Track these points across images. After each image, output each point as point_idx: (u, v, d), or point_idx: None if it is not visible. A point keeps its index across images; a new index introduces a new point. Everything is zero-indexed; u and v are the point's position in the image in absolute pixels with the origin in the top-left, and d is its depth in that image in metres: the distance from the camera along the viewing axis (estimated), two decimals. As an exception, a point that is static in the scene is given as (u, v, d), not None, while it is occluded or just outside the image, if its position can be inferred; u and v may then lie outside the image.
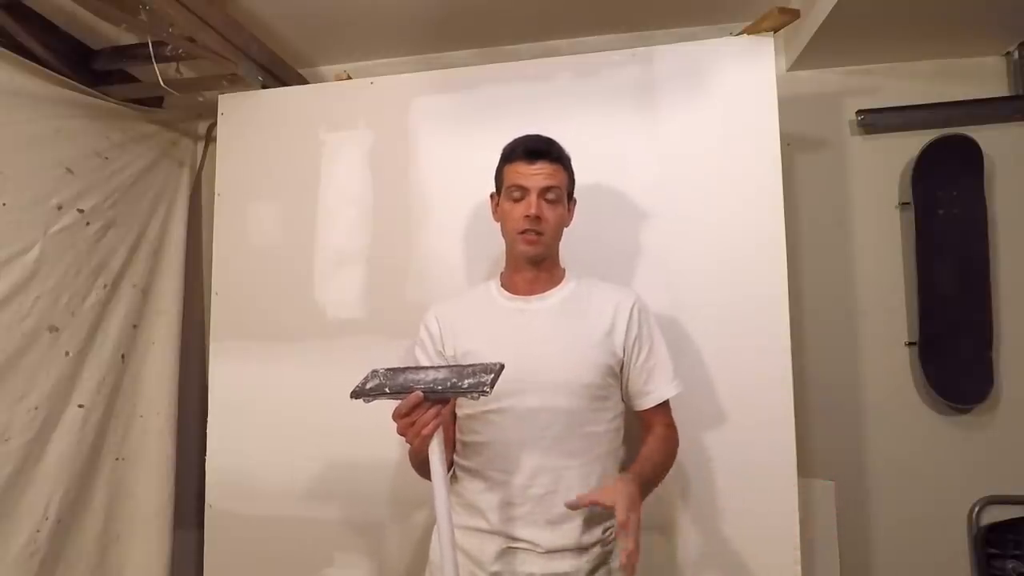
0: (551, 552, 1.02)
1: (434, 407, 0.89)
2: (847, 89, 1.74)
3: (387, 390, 0.90)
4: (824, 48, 1.61)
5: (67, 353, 1.51)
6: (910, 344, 1.68)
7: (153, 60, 1.54)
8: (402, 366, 0.98)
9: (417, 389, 0.88)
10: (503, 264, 1.20)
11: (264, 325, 1.62)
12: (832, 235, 1.73)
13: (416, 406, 0.88)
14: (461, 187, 1.53)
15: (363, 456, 1.51)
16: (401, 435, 0.91)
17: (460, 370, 0.91)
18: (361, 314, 1.57)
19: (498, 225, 1.16)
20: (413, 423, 0.89)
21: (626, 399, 1.14)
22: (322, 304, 1.60)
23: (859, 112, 1.70)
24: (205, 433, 1.62)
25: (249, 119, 1.69)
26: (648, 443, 1.09)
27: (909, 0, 1.43)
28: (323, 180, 1.63)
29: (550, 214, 1.07)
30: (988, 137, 1.63)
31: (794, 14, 1.38)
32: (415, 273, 1.55)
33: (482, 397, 0.86)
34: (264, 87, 1.70)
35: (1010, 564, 1.57)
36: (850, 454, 1.68)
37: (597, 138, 1.44)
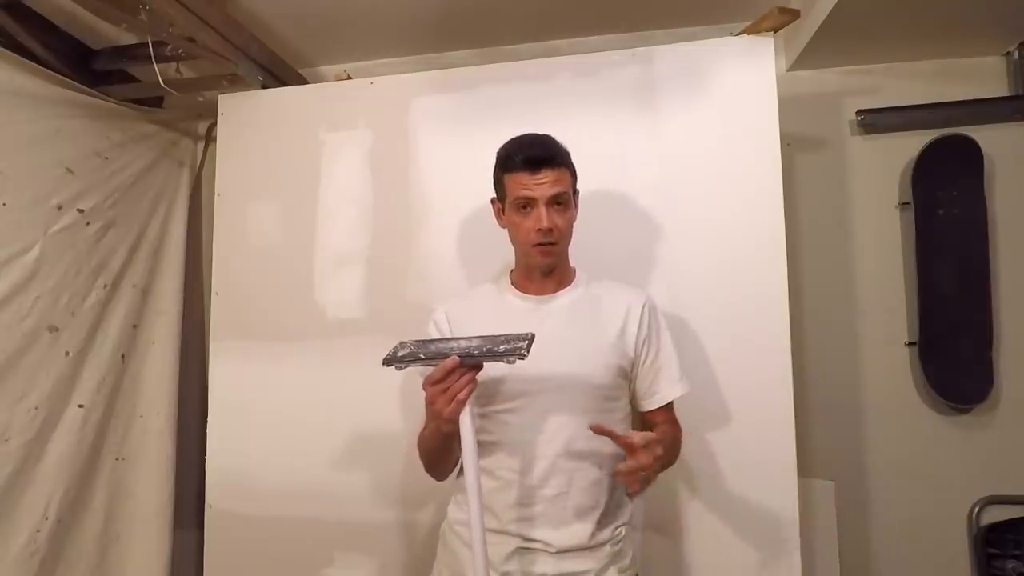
0: (563, 552, 1.02)
1: (468, 373, 0.88)
2: (847, 89, 1.74)
3: (421, 356, 0.90)
4: (824, 48, 1.61)
5: (67, 353, 1.51)
6: (910, 344, 1.68)
7: (153, 60, 1.54)
8: (431, 339, 0.97)
9: (452, 355, 0.87)
10: (510, 262, 1.19)
11: (264, 325, 1.62)
12: (832, 235, 1.73)
13: (450, 372, 0.87)
14: (461, 187, 1.53)
15: (363, 456, 1.51)
16: (430, 404, 0.91)
17: (492, 338, 0.90)
18: (361, 314, 1.57)
19: (501, 229, 1.14)
20: (446, 389, 0.88)
21: (633, 400, 1.14)
22: (322, 304, 1.60)
23: (859, 112, 1.70)
24: (205, 433, 1.62)
25: (249, 119, 1.69)
26: (658, 430, 1.08)
27: (909, 0, 1.43)
28: (323, 180, 1.63)
29: (561, 221, 1.06)
30: (988, 137, 1.63)
31: (794, 14, 1.38)
32: (415, 273, 1.55)
33: (513, 362, 0.86)
34: (264, 87, 1.70)
35: (1010, 564, 1.57)
36: (850, 454, 1.68)
37: (597, 138, 1.44)
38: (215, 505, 1.60)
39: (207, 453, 1.61)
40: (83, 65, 1.67)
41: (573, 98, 1.49)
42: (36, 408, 1.42)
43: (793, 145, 1.68)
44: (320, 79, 1.90)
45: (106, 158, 1.64)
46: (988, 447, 1.63)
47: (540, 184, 1.03)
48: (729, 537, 1.32)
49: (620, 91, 1.47)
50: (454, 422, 0.90)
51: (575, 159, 1.15)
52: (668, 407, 1.13)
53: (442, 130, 1.56)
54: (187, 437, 1.81)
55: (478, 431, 1.07)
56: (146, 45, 1.53)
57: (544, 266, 1.09)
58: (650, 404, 1.12)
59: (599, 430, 0.93)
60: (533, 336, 0.89)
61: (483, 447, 1.08)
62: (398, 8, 1.64)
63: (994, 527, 1.60)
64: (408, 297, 1.55)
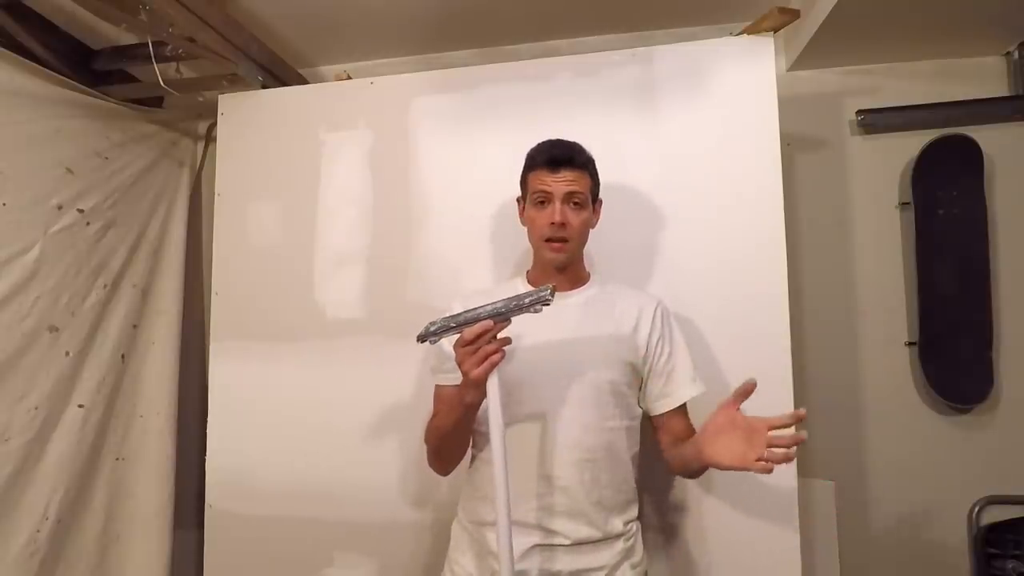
0: (578, 545, 1.03)
1: (497, 342, 0.92)
2: (847, 89, 1.74)
3: (452, 325, 0.94)
4: (824, 48, 1.61)
5: (67, 353, 1.51)
6: (910, 344, 1.68)
7: (153, 60, 1.54)
8: (456, 312, 0.99)
9: (483, 318, 0.91)
10: (516, 256, 1.23)
11: (264, 325, 1.62)
12: (832, 235, 1.73)
13: (483, 334, 0.90)
14: (461, 187, 1.53)
15: (363, 456, 1.51)
16: (460, 364, 0.93)
17: (516, 297, 0.93)
18: (361, 314, 1.57)
19: (523, 227, 1.17)
20: (477, 350, 0.91)
21: (644, 404, 1.14)
22: (322, 304, 1.60)
23: (859, 112, 1.70)
24: (205, 433, 1.62)
25: (249, 119, 1.69)
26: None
27: (909, 0, 1.43)
28: (323, 180, 1.63)
29: (575, 219, 1.08)
30: (988, 137, 1.63)
31: (794, 14, 1.38)
32: (415, 273, 1.55)
33: (540, 309, 0.90)
34: (264, 87, 1.70)
35: (1010, 564, 1.56)
36: (850, 454, 1.68)
37: (597, 138, 1.42)
38: (215, 505, 1.60)
39: (207, 453, 1.61)
40: (83, 65, 1.67)
41: (573, 98, 1.49)
42: (36, 408, 1.42)
43: (793, 145, 1.68)
44: (320, 79, 1.90)
45: (106, 158, 1.64)
46: (988, 447, 1.63)
47: (558, 181, 1.07)
48: (729, 537, 1.32)
49: (620, 91, 1.47)
50: (482, 387, 0.92)
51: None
52: (683, 411, 1.13)
53: (442, 130, 1.56)
54: (187, 437, 1.81)
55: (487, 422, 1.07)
56: (146, 45, 1.53)
57: (555, 262, 1.11)
58: (663, 406, 1.12)
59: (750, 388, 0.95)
60: (554, 287, 0.92)
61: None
62: (398, 8, 1.64)
63: (994, 527, 1.60)
64: (408, 297, 1.55)
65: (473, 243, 1.51)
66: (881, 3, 1.43)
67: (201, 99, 1.74)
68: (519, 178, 1.16)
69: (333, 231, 1.61)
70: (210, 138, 1.97)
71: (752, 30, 1.41)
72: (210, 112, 1.78)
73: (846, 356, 1.70)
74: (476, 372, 0.90)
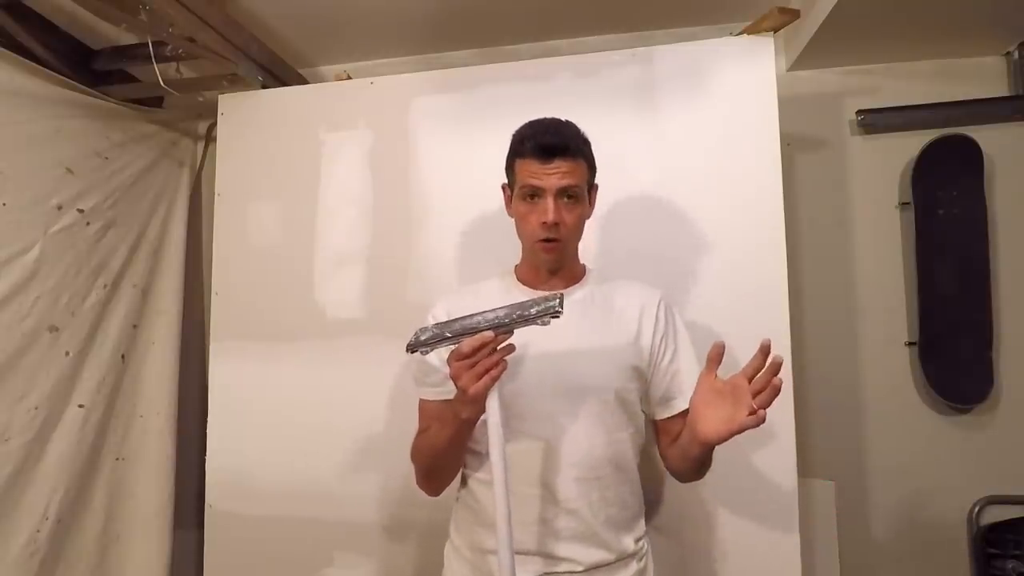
0: (591, 570, 0.95)
1: (500, 349, 0.82)
2: (847, 89, 1.74)
3: (447, 335, 0.83)
4: (824, 48, 1.61)
5: (67, 353, 1.51)
6: (910, 344, 1.68)
7: (153, 60, 1.54)
8: (453, 318, 0.88)
9: (482, 328, 0.80)
10: (517, 256, 1.11)
11: (264, 325, 1.62)
12: (832, 235, 1.73)
13: (482, 346, 0.80)
14: (461, 187, 1.53)
15: (363, 456, 1.51)
16: (456, 380, 0.83)
17: (520, 304, 0.83)
18: (361, 314, 1.57)
19: (510, 217, 1.06)
20: (475, 364, 0.81)
21: (647, 407, 1.06)
22: (322, 304, 1.60)
23: (859, 112, 1.70)
24: (205, 433, 1.62)
25: (249, 119, 1.69)
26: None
27: (909, 0, 1.43)
28: (323, 180, 1.63)
29: (569, 216, 0.97)
30: (988, 137, 1.63)
31: (794, 14, 1.38)
32: (415, 273, 1.55)
33: (548, 322, 0.80)
34: (264, 87, 1.70)
35: (1010, 564, 1.56)
36: (850, 454, 1.68)
37: (597, 138, 1.42)
38: (215, 505, 1.60)
39: (207, 453, 1.61)
40: (83, 65, 1.67)
41: (573, 98, 1.48)
42: (36, 408, 1.42)
43: (793, 145, 1.67)
44: (320, 79, 1.90)
45: (106, 158, 1.64)
46: (988, 447, 1.63)
47: (550, 174, 0.94)
48: (729, 537, 1.32)
49: (620, 91, 1.47)
50: (480, 403, 0.83)
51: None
52: (686, 414, 0.98)
53: (442, 130, 1.56)
54: (187, 437, 1.81)
55: (483, 440, 0.95)
56: (146, 45, 1.53)
57: (548, 263, 1.02)
58: (667, 410, 1.03)
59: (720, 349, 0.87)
60: (562, 295, 0.82)
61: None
62: (398, 8, 1.64)
63: (994, 527, 1.60)
64: (408, 297, 1.54)
65: (473, 243, 1.51)
66: (881, 3, 1.43)
67: (201, 99, 1.74)
68: (504, 161, 1.04)
69: (333, 231, 1.61)
70: (210, 138, 1.97)
71: (752, 30, 1.41)
72: (210, 112, 1.78)
73: (846, 356, 1.70)
74: (475, 388, 0.80)
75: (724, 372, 1.31)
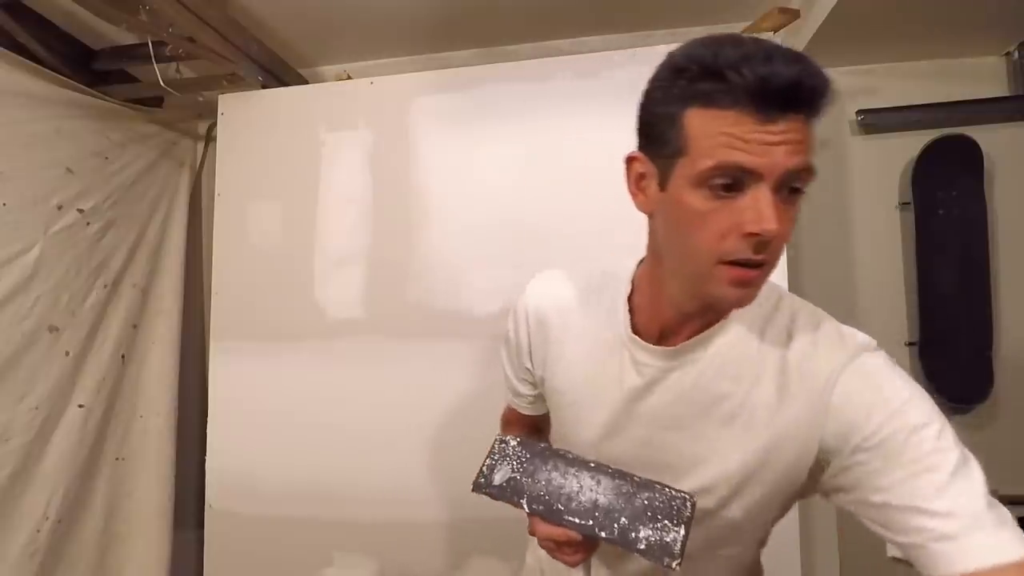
0: None
1: (582, 548, 0.64)
2: (847, 89, 1.74)
3: (525, 504, 0.65)
4: (824, 48, 1.61)
5: (67, 353, 1.51)
6: (910, 344, 1.67)
7: (153, 60, 1.54)
8: (543, 445, 0.69)
9: (570, 524, 0.62)
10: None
11: (264, 325, 1.62)
12: (832, 235, 1.73)
13: (564, 543, 0.63)
14: (461, 187, 1.53)
15: (363, 456, 1.51)
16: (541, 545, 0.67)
17: (630, 497, 0.61)
18: (361, 314, 1.57)
19: (642, 213, 0.67)
20: (560, 549, 0.65)
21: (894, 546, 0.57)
22: (322, 304, 1.60)
23: (859, 112, 1.70)
24: (205, 433, 1.62)
25: (249, 119, 1.69)
26: None
27: (909, 0, 1.43)
28: (323, 180, 1.63)
29: (788, 222, 0.54)
30: (988, 137, 1.63)
31: (794, 14, 1.39)
32: (415, 273, 1.55)
33: (676, 567, 0.58)
34: (264, 87, 1.70)
35: (1010, 564, 1.56)
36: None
37: (597, 139, 1.44)
38: (215, 505, 1.60)
39: (207, 453, 1.61)
40: (83, 65, 1.67)
41: (573, 98, 1.48)
42: (36, 408, 1.42)
43: (793, 145, 1.67)
44: (320, 79, 1.89)
45: (106, 158, 1.64)
46: (988, 447, 1.61)
47: (776, 143, 0.50)
48: (729, 537, 1.32)
49: (620, 91, 1.47)
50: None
51: (575, 158, 1.06)
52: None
53: (442, 130, 1.56)
54: (187, 437, 1.81)
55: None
56: (146, 45, 1.54)
57: (732, 303, 0.60)
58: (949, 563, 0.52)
59: None
60: (694, 504, 0.60)
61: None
62: (398, 8, 1.64)
63: (994, 527, 1.59)
64: (408, 297, 1.55)
65: (473, 243, 1.51)
66: (881, 3, 1.43)
67: (201, 99, 1.74)
68: (641, 116, 0.62)
69: (333, 231, 1.61)
70: (210, 138, 1.97)
71: (752, 30, 1.41)
72: (210, 112, 1.78)
73: (846, 356, 1.70)
74: (566, 564, 0.65)
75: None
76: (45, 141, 1.48)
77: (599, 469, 0.65)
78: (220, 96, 1.71)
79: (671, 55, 0.58)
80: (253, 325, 1.63)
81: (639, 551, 0.59)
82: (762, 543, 0.76)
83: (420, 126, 1.58)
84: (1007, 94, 1.67)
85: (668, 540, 0.59)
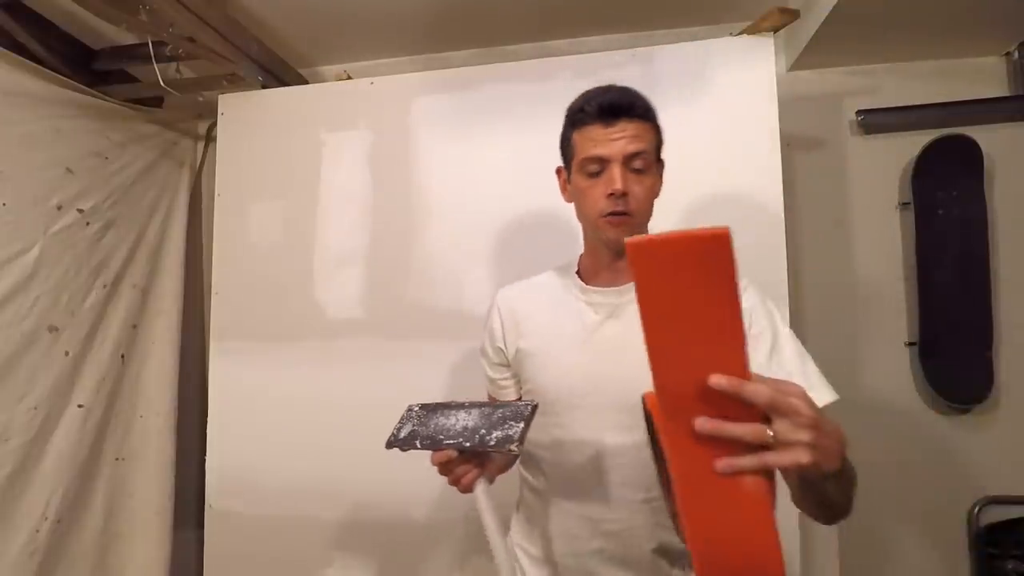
0: None
1: (469, 462, 0.79)
2: (847, 89, 1.74)
3: (418, 444, 0.82)
4: (824, 48, 1.61)
5: (67, 353, 1.51)
6: (910, 344, 1.67)
7: (153, 60, 1.55)
8: (436, 403, 0.88)
9: (445, 446, 0.78)
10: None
11: (264, 325, 1.62)
12: (832, 235, 1.73)
13: (448, 461, 0.78)
14: (461, 187, 1.53)
15: (363, 456, 1.51)
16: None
17: (489, 415, 0.80)
18: (361, 314, 1.57)
19: (567, 204, 0.96)
20: (449, 472, 0.80)
21: None
22: (322, 304, 1.60)
23: (859, 112, 1.70)
24: (205, 433, 1.62)
25: (249, 119, 1.69)
26: None
27: (909, 0, 1.43)
28: (323, 180, 1.63)
29: (638, 188, 0.85)
30: (988, 137, 1.63)
31: (794, 14, 1.39)
32: (415, 273, 1.55)
33: (515, 448, 0.74)
34: (264, 87, 1.70)
35: (1010, 564, 1.56)
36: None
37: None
38: (215, 505, 1.60)
39: (207, 453, 1.62)
40: (83, 65, 1.67)
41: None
42: (36, 408, 1.42)
43: (793, 145, 1.67)
44: (320, 79, 1.89)
45: (106, 158, 1.64)
46: (988, 447, 1.63)
47: (616, 138, 0.83)
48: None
49: (620, 91, 1.47)
50: (469, 492, 0.80)
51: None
52: None
53: (442, 130, 1.56)
54: (187, 437, 1.81)
55: (531, 445, 0.93)
56: (146, 45, 1.54)
57: (615, 242, 0.87)
58: None
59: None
60: (534, 408, 0.79)
61: (534, 462, 0.95)
62: (398, 8, 1.64)
63: (994, 527, 1.60)
64: (408, 297, 1.55)
65: (473, 243, 1.51)
66: (881, 3, 1.43)
67: (201, 99, 1.74)
68: (559, 141, 0.94)
69: (333, 231, 1.61)
70: (210, 138, 1.97)
71: (752, 30, 1.41)
72: (210, 112, 1.78)
73: (846, 356, 1.70)
74: (458, 488, 0.80)
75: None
76: (45, 141, 1.48)
77: (472, 405, 0.84)
78: (220, 96, 1.71)
79: (568, 107, 0.92)
80: (253, 325, 1.63)
81: (491, 448, 0.76)
82: None
83: (420, 126, 1.58)
84: (1007, 94, 1.67)
85: (511, 433, 0.76)
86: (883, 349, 1.69)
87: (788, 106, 1.43)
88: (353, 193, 1.61)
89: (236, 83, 1.69)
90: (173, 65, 1.63)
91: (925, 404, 1.67)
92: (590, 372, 0.87)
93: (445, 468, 0.80)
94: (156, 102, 1.86)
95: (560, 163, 0.95)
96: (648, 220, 0.90)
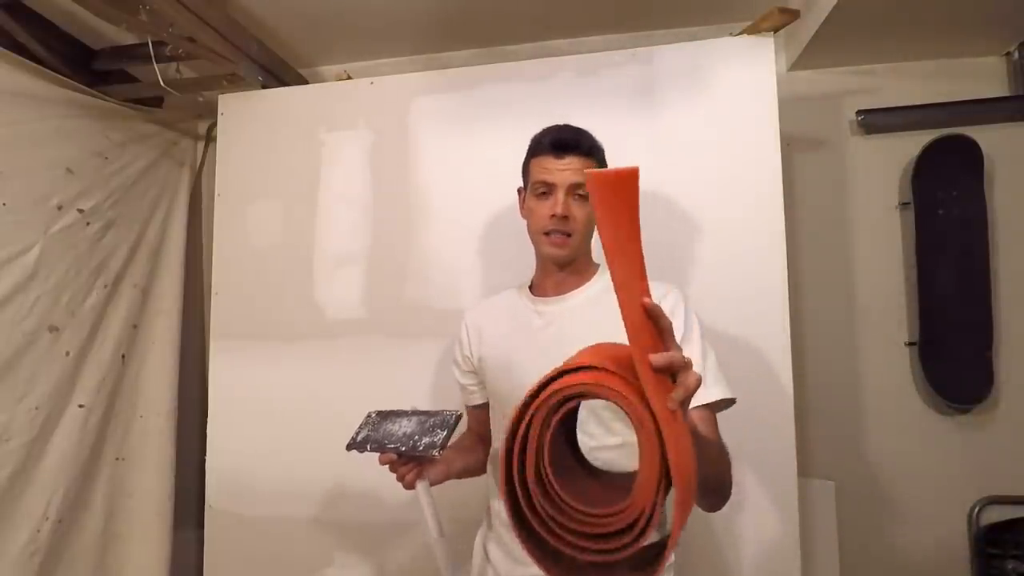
0: None
1: (409, 463, 0.94)
2: (847, 89, 1.74)
3: (368, 447, 0.97)
4: (824, 48, 1.61)
5: (67, 353, 1.51)
6: (910, 344, 1.67)
7: (153, 60, 1.55)
8: (390, 410, 1.02)
9: (387, 449, 0.94)
10: (519, 257, 1.16)
11: (264, 325, 1.62)
12: (832, 235, 1.73)
13: (392, 462, 0.94)
14: (461, 187, 1.53)
15: (363, 456, 1.51)
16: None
17: (423, 423, 0.95)
18: (361, 314, 1.57)
19: (524, 222, 1.07)
20: (396, 471, 0.95)
21: None
22: (322, 304, 1.60)
23: (859, 112, 1.70)
24: (205, 433, 1.62)
25: (249, 119, 1.69)
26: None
27: (909, 0, 1.43)
28: (323, 180, 1.63)
29: (579, 212, 0.98)
30: (988, 137, 1.63)
31: (794, 14, 1.39)
32: (415, 273, 1.55)
33: (436, 453, 0.90)
34: (264, 87, 1.70)
35: (1010, 564, 1.56)
36: (850, 454, 1.68)
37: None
38: (215, 505, 1.60)
39: (207, 453, 1.62)
40: (83, 65, 1.67)
41: (573, 98, 1.48)
42: (36, 408, 1.42)
43: (793, 145, 1.67)
44: (320, 79, 1.90)
45: (106, 158, 1.64)
46: (988, 447, 1.63)
47: (562, 169, 0.98)
48: (729, 536, 1.32)
49: (620, 91, 1.47)
50: (413, 489, 0.95)
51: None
52: (703, 417, 0.89)
53: (442, 130, 1.56)
54: (187, 437, 1.81)
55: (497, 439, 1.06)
56: (146, 45, 1.54)
57: (555, 258, 1.01)
58: None
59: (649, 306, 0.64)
60: (458, 418, 0.94)
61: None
62: (398, 8, 1.64)
63: (994, 527, 1.60)
64: (408, 297, 1.55)
65: (473, 243, 1.51)
66: (881, 3, 1.43)
67: (201, 99, 1.75)
68: (521, 166, 1.08)
69: (333, 231, 1.61)
70: (210, 138, 1.97)
71: (752, 30, 1.41)
72: (210, 112, 1.78)
73: (846, 356, 1.70)
74: (402, 484, 0.95)
75: (723, 372, 1.25)
76: (45, 141, 1.48)
77: (415, 413, 0.99)
78: (220, 96, 1.71)
79: (533, 136, 1.05)
80: (253, 325, 1.63)
81: (419, 452, 0.91)
82: None
83: (420, 126, 1.58)
84: (1007, 94, 1.67)
85: (435, 440, 0.91)
86: (883, 349, 1.69)
87: (788, 106, 1.43)
88: (353, 193, 1.61)
89: (236, 83, 1.69)
90: (173, 65, 1.63)
91: (925, 404, 1.67)
92: (535, 370, 0.88)
93: (392, 468, 0.95)
94: (156, 102, 1.86)
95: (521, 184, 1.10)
96: (587, 242, 1.03)
